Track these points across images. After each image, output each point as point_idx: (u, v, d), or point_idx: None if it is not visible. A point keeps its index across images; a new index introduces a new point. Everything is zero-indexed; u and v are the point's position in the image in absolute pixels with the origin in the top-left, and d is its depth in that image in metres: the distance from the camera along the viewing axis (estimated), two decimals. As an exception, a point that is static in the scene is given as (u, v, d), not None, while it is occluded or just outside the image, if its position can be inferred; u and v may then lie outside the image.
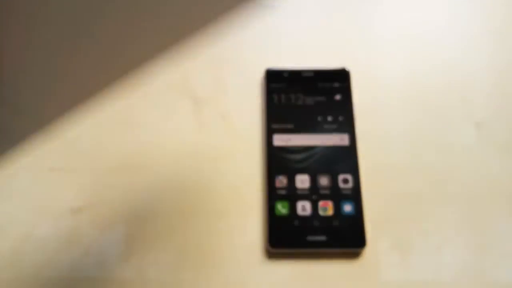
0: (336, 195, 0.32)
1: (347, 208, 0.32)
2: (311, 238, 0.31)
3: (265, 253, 0.32)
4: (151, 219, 0.33)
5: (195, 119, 0.36)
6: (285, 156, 0.33)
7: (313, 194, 0.32)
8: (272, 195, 0.32)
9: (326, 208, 0.32)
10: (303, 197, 0.32)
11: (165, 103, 0.36)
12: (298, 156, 0.33)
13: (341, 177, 0.33)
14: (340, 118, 0.35)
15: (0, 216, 0.32)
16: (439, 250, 0.32)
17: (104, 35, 0.36)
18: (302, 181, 0.33)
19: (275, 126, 0.34)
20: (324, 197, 0.32)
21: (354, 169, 0.33)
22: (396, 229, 0.33)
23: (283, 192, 0.33)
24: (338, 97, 0.35)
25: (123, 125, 0.35)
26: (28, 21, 0.36)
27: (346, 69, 0.36)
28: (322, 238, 0.31)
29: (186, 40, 0.38)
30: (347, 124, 0.34)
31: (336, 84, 0.36)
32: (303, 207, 0.32)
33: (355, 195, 0.32)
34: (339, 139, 0.34)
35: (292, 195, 0.32)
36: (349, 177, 0.33)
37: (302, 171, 0.33)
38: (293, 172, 0.33)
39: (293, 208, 0.32)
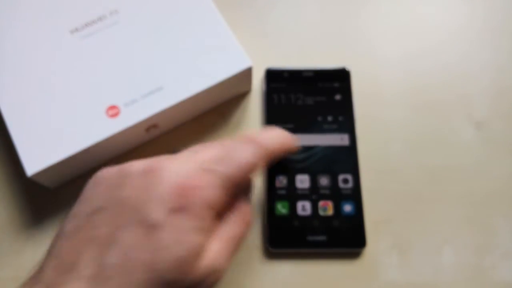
0: (336, 195, 0.32)
1: (347, 208, 0.32)
2: (311, 238, 0.31)
3: (265, 253, 0.32)
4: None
5: (195, 119, 0.36)
6: (285, 156, 0.33)
7: (313, 194, 0.32)
8: (272, 195, 0.32)
9: (326, 208, 0.32)
10: (303, 197, 0.32)
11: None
12: (298, 156, 0.33)
13: (341, 177, 0.33)
14: (340, 118, 0.35)
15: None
16: (439, 250, 0.32)
17: None
18: (302, 181, 0.33)
19: (275, 126, 0.34)
20: (324, 197, 0.32)
21: (354, 169, 0.33)
22: (396, 229, 0.33)
23: (283, 192, 0.33)
24: (338, 97, 0.35)
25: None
26: None
27: (346, 69, 0.36)
28: (322, 238, 0.31)
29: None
30: (347, 124, 0.34)
31: (336, 84, 0.36)
32: (303, 207, 0.32)
33: (355, 195, 0.32)
34: (339, 139, 0.34)
35: (292, 195, 0.32)
36: (349, 177, 0.33)
37: (302, 171, 0.33)
38: (293, 172, 0.33)
39: (293, 208, 0.32)
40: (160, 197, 0.22)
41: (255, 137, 0.26)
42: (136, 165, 0.24)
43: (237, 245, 0.25)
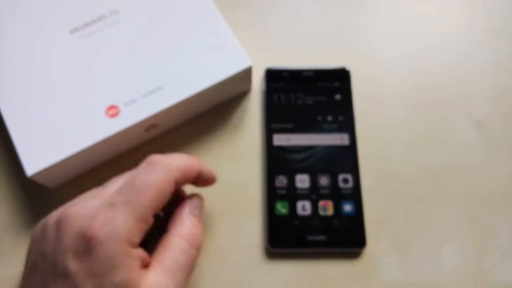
0: (336, 195, 0.32)
1: (347, 208, 0.32)
2: (311, 238, 0.31)
3: (265, 253, 0.32)
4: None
5: (195, 119, 0.36)
6: (285, 156, 0.33)
7: (313, 194, 0.32)
8: (272, 195, 0.32)
9: (326, 208, 0.32)
10: (303, 197, 0.32)
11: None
12: (298, 156, 0.33)
13: (341, 177, 0.33)
14: (340, 118, 0.35)
15: (0, 216, 0.32)
16: (439, 250, 0.32)
17: None
18: (302, 181, 0.33)
19: (275, 126, 0.34)
20: (324, 197, 0.32)
21: (354, 169, 0.33)
22: (396, 229, 0.33)
23: (283, 192, 0.33)
24: (338, 97, 0.35)
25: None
26: None
27: (346, 69, 0.36)
28: (322, 238, 0.31)
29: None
30: (347, 124, 0.34)
31: (336, 84, 0.36)
32: (303, 207, 0.32)
33: (355, 195, 0.32)
34: (339, 139, 0.34)
35: (292, 195, 0.32)
36: (349, 177, 0.33)
37: (302, 171, 0.33)
38: (293, 172, 0.33)
39: (293, 208, 0.32)
40: (66, 246, 0.22)
41: (154, 158, 0.25)
42: (51, 217, 0.25)
43: (189, 269, 0.24)
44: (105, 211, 0.23)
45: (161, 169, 0.24)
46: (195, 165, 0.26)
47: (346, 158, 0.33)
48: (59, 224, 0.23)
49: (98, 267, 0.21)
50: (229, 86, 0.34)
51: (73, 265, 0.22)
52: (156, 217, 0.25)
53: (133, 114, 0.31)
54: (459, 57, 0.38)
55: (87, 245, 0.22)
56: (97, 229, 0.22)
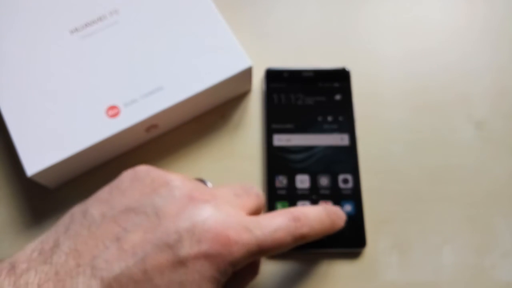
0: (336, 195, 0.32)
1: (347, 208, 0.32)
2: (311, 238, 0.31)
3: (265, 253, 0.32)
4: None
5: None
6: (285, 156, 0.33)
7: (313, 194, 0.32)
8: (272, 195, 0.32)
9: (326, 208, 0.32)
10: (303, 197, 0.32)
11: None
12: (298, 156, 0.33)
13: (341, 177, 0.33)
14: (340, 118, 0.35)
15: None
16: (439, 250, 0.32)
17: None
18: (302, 181, 0.33)
19: (275, 126, 0.34)
20: (324, 197, 0.32)
21: (354, 169, 0.33)
22: (396, 229, 0.33)
23: (283, 192, 0.33)
24: (338, 97, 0.35)
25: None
26: None
27: (346, 69, 0.36)
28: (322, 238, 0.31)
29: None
30: (347, 124, 0.34)
31: (336, 84, 0.36)
32: (303, 207, 0.32)
33: (355, 195, 0.32)
34: (339, 139, 0.34)
35: (292, 195, 0.32)
36: (349, 177, 0.33)
37: (302, 171, 0.33)
38: (293, 172, 0.33)
39: (293, 208, 0.32)
40: (198, 234, 0.22)
41: (303, 218, 0.25)
42: (179, 182, 0.23)
43: None
44: (242, 232, 0.22)
45: (298, 234, 0.25)
46: (328, 231, 0.27)
47: (346, 158, 0.33)
48: (193, 201, 0.23)
49: (207, 274, 0.21)
50: (229, 86, 0.34)
51: (193, 255, 0.21)
52: None
53: (133, 114, 0.31)
54: (459, 57, 0.38)
55: (215, 249, 0.22)
56: (230, 244, 0.22)
